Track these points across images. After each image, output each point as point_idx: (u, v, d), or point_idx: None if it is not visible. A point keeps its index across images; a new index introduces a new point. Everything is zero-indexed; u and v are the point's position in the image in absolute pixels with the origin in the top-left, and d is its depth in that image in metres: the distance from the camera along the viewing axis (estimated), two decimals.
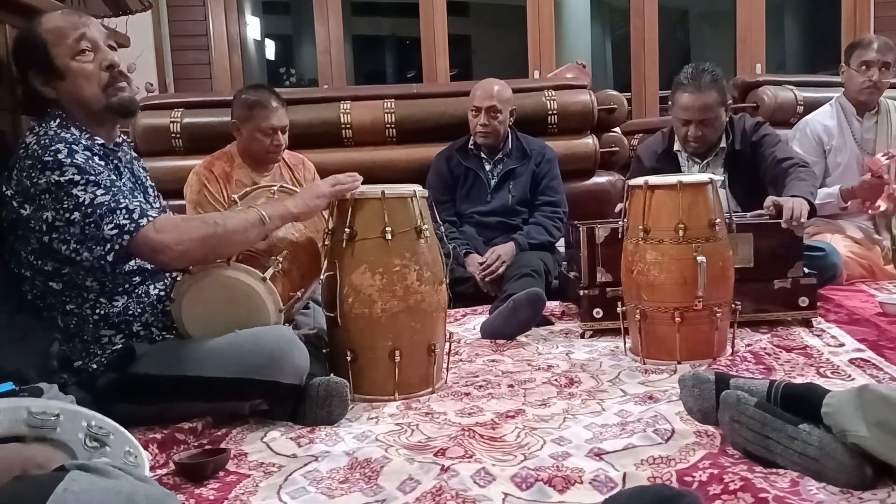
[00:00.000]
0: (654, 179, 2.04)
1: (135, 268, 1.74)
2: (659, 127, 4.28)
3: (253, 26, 7.19)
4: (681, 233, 1.97)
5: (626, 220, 2.11)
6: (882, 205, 3.10)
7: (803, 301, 2.36)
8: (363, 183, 1.91)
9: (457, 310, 2.78)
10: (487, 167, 3.23)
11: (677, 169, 2.92)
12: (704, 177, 2.04)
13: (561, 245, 3.50)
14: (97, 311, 1.69)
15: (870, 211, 3.17)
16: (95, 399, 1.64)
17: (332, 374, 1.82)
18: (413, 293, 1.83)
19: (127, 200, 1.62)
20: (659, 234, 2.00)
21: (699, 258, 1.95)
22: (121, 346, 1.69)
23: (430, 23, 5.45)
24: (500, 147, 3.22)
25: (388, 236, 1.81)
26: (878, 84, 3.20)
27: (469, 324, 2.64)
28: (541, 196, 3.20)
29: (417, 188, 1.91)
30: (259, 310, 1.70)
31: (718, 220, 2.01)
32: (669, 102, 2.86)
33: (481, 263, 2.94)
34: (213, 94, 4.28)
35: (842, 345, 2.13)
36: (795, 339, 2.21)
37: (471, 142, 3.25)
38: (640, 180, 2.06)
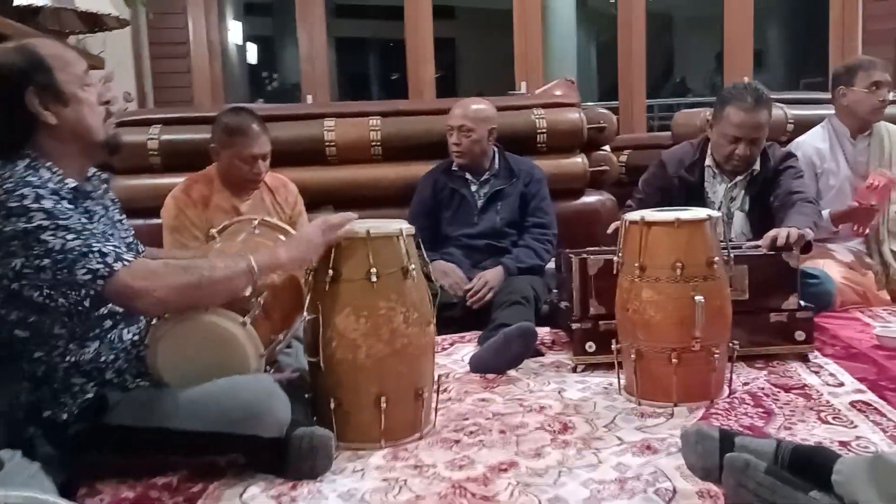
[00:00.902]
0: (650, 215, 1.97)
1: (105, 312, 1.65)
2: (649, 144, 4.26)
3: (234, 30, 7.07)
4: (678, 271, 1.90)
5: (620, 254, 2.04)
6: (874, 227, 3.08)
7: (800, 335, 2.30)
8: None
9: (444, 337, 2.70)
10: (474, 188, 3.14)
11: (701, 183, 2.88)
12: (702, 213, 1.98)
13: (551, 264, 3.45)
14: (67, 357, 1.60)
15: (862, 234, 3.14)
16: (65, 451, 1.56)
17: (315, 421, 1.75)
18: (400, 336, 1.75)
19: (100, 244, 1.53)
20: (655, 271, 1.93)
21: (697, 298, 1.88)
22: (92, 394, 1.60)
23: (416, 27, 5.36)
24: (486, 167, 3.13)
25: (374, 278, 1.72)
26: (886, 103, 3.17)
27: (457, 354, 2.56)
28: (530, 217, 3.11)
29: (404, 225, 1.83)
30: (239, 356, 1.61)
31: (717, 259, 1.94)
32: (710, 118, 2.82)
33: (468, 290, 2.86)
34: (193, 110, 4.18)
35: (841, 384, 2.07)
36: (793, 377, 2.15)
37: (455, 163, 3.17)
38: (636, 216, 1.99)
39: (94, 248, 1.50)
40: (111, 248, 1.53)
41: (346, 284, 1.74)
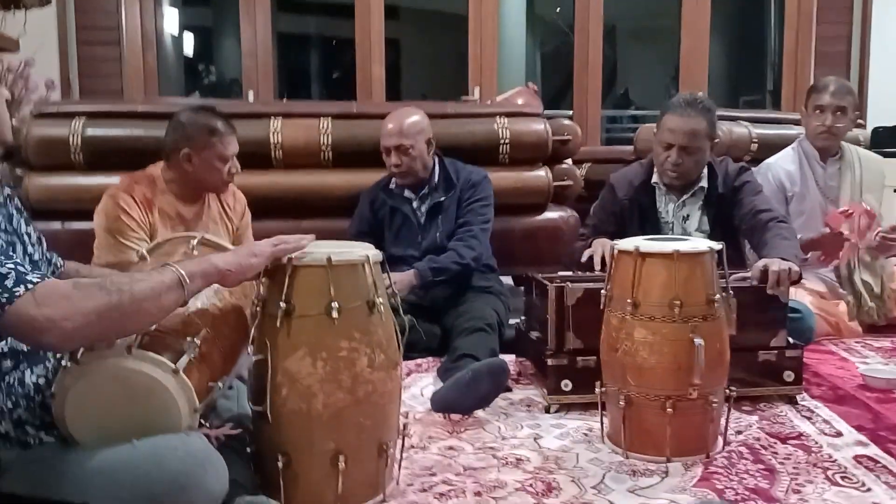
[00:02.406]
0: (645, 245, 1.76)
1: (5, 349, 1.34)
2: (609, 158, 4.09)
3: (170, 18, 6.63)
4: (676, 309, 1.70)
5: (609, 287, 1.83)
6: (844, 255, 2.96)
7: (788, 375, 2.13)
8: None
9: None
10: (415, 205, 2.89)
11: (652, 204, 2.70)
12: (703, 245, 1.78)
13: (509, 280, 3.24)
14: None
15: (831, 264, 3.02)
16: None
17: (258, 481, 1.48)
18: (363, 383, 1.48)
19: None
20: (650, 309, 1.72)
21: (697, 340, 1.68)
22: None
23: (366, 25, 5.09)
24: (426, 181, 2.88)
25: (335, 313, 1.46)
26: (833, 129, 3.04)
27: (415, 387, 2.31)
28: (458, 220, 2.85)
29: (371, 251, 1.57)
30: (167, 411, 1.31)
31: (717, 296, 1.74)
32: (655, 129, 2.64)
33: None
34: (122, 104, 3.83)
35: (839, 434, 1.91)
36: (786, 424, 1.97)
37: (393, 181, 2.91)
38: (629, 245, 1.78)
39: None
40: (10, 267, 1.22)
41: (302, 320, 1.47)
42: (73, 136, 2.93)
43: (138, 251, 1.63)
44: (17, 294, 1.19)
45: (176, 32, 6.91)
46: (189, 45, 7.93)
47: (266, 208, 2.91)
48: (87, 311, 1.23)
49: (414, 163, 2.79)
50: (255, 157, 3.06)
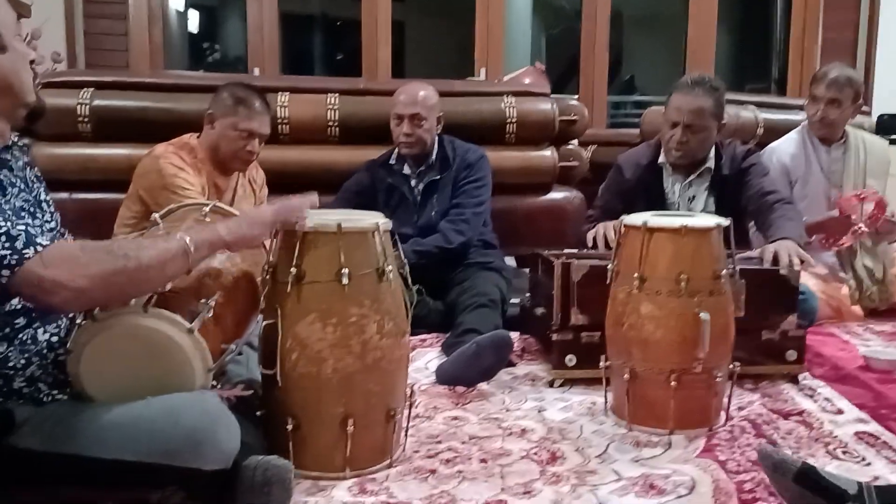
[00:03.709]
0: (653, 220, 1.77)
1: (18, 307, 1.35)
2: (614, 140, 4.09)
3: None
4: (683, 284, 1.71)
5: (616, 262, 1.84)
6: (847, 241, 2.96)
7: (791, 354, 2.15)
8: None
9: None
10: (413, 182, 2.88)
11: (659, 185, 2.70)
12: (711, 221, 1.79)
13: (512, 261, 3.25)
14: None
15: (834, 248, 3.03)
16: None
17: (267, 443, 1.50)
18: (372, 349, 1.50)
19: (9, 224, 1.22)
20: (657, 284, 1.74)
21: (702, 315, 1.70)
22: None
23: (373, 6, 5.07)
24: (425, 158, 2.88)
25: (345, 280, 1.47)
26: (826, 120, 3.04)
27: (420, 360, 2.32)
28: (452, 200, 2.84)
29: (380, 219, 1.58)
30: (182, 369, 1.33)
31: (723, 272, 1.76)
32: (663, 110, 2.65)
33: None
34: (130, 75, 3.81)
35: (840, 411, 1.92)
36: (787, 401, 1.99)
37: (393, 157, 2.91)
38: (637, 220, 1.79)
39: (1, 230, 1.21)
40: (21, 229, 1.23)
41: (312, 286, 1.49)
42: (81, 105, 2.93)
43: (151, 217, 1.63)
44: (26, 255, 1.21)
45: (181, 8, 6.88)
46: (194, 21, 7.90)
47: (272, 184, 2.91)
48: (93, 275, 1.24)
49: (424, 135, 2.80)
50: None
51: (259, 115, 2.48)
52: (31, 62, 1.37)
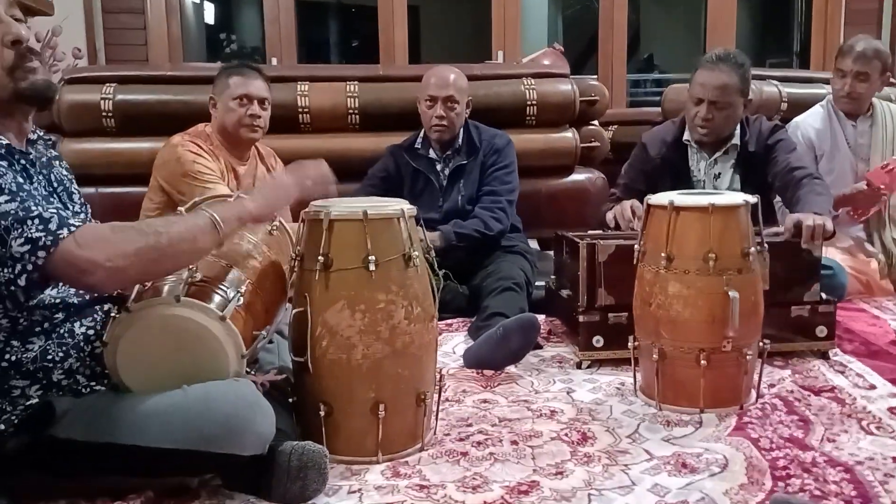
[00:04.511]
0: (680, 199, 1.76)
1: (57, 301, 1.37)
2: (636, 120, 4.05)
3: None
4: (711, 263, 1.70)
5: (642, 242, 1.83)
6: (875, 213, 2.93)
7: (821, 330, 2.13)
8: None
9: None
10: (439, 167, 2.88)
11: (685, 162, 2.68)
12: (738, 198, 1.77)
13: (535, 244, 3.24)
14: (6, 356, 1.32)
15: (861, 219, 2.99)
16: (2, 470, 1.30)
17: (300, 429, 1.52)
18: (401, 334, 1.51)
19: (40, 208, 1.25)
20: (684, 263, 1.73)
21: (731, 293, 1.69)
22: (37, 400, 1.33)
23: None
24: (451, 143, 2.86)
25: (372, 266, 1.48)
26: (853, 94, 2.99)
27: (447, 345, 2.33)
28: (484, 187, 2.84)
29: (405, 205, 1.59)
30: (216, 357, 1.35)
31: (752, 249, 1.74)
32: (688, 87, 2.63)
33: None
34: (151, 69, 3.84)
35: (872, 387, 1.91)
36: (819, 378, 1.98)
37: (418, 141, 2.90)
38: (663, 199, 1.78)
39: (34, 213, 1.23)
40: (53, 212, 1.26)
41: (340, 274, 1.50)
42: (105, 101, 2.96)
43: (179, 210, 1.65)
44: (60, 236, 1.23)
45: (197, 0, 6.91)
46: (210, 13, 7.92)
47: None
48: (128, 252, 1.27)
49: (456, 119, 2.80)
50: (283, 120, 3.07)
51: (251, 78, 2.56)
52: (16, 42, 1.30)
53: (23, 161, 1.34)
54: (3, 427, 1.31)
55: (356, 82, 3.18)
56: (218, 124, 2.57)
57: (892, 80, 3.31)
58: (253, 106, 2.53)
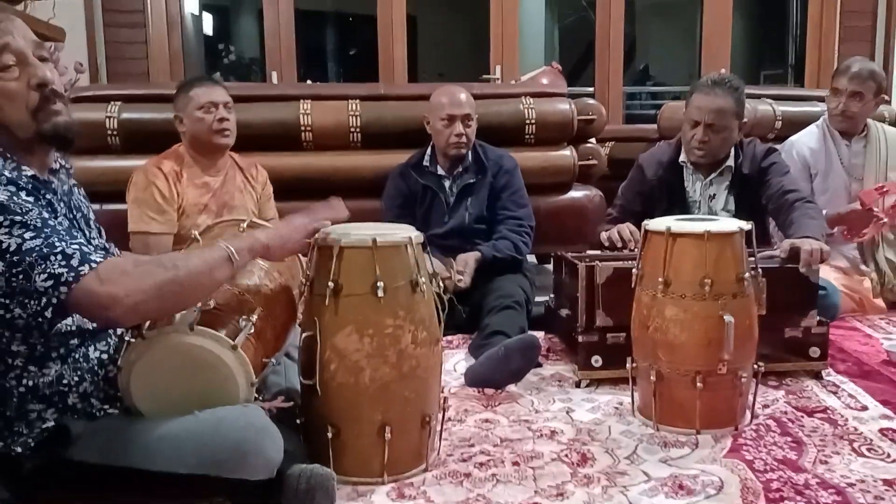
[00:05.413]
0: (677, 226, 1.81)
1: (73, 328, 1.41)
2: (633, 136, 4.11)
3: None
4: (707, 288, 1.75)
5: (640, 267, 1.88)
6: (869, 233, 2.98)
7: (814, 351, 2.18)
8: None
9: None
10: (447, 184, 2.93)
11: (680, 183, 2.74)
12: (733, 224, 1.82)
13: (532, 258, 3.28)
14: (24, 381, 1.37)
15: (854, 239, 3.05)
16: (19, 492, 1.34)
17: (308, 450, 1.55)
18: (408, 358, 1.56)
19: (63, 244, 1.29)
20: (681, 287, 1.78)
21: (727, 317, 1.73)
22: (52, 423, 1.37)
23: (388, 3, 5.10)
24: (460, 161, 2.92)
25: (381, 292, 1.53)
26: (847, 113, 3.05)
27: (448, 363, 2.37)
28: (502, 211, 2.89)
29: (413, 233, 1.63)
30: (227, 384, 1.40)
31: (747, 275, 1.79)
32: (684, 107, 2.69)
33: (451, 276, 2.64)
34: (154, 87, 3.88)
35: (864, 408, 1.96)
36: (812, 399, 2.03)
37: (426, 158, 2.96)
38: (661, 225, 1.83)
39: (57, 249, 1.27)
40: (75, 247, 1.30)
41: (349, 299, 1.54)
42: (110, 119, 3.00)
43: (192, 234, 1.70)
44: (82, 273, 1.27)
45: (196, 12, 6.94)
46: (209, 25, 7.96)
47: (296, 189, 2.97)
48: (148, 287, 1.31)
49: (472, 136, 2.86)
50: (286, 139, 3.13)
51: (211, 86, 2.62)
52: (42, 85, 1.34)
53: (48, 195, 1.38)
54: (20, 449, 1.35)
55: (358, 101, 3.22)
56: (189, 139, 2.63)
57: (886, 99, 3.38)
58: (219, 110, 2.59)
